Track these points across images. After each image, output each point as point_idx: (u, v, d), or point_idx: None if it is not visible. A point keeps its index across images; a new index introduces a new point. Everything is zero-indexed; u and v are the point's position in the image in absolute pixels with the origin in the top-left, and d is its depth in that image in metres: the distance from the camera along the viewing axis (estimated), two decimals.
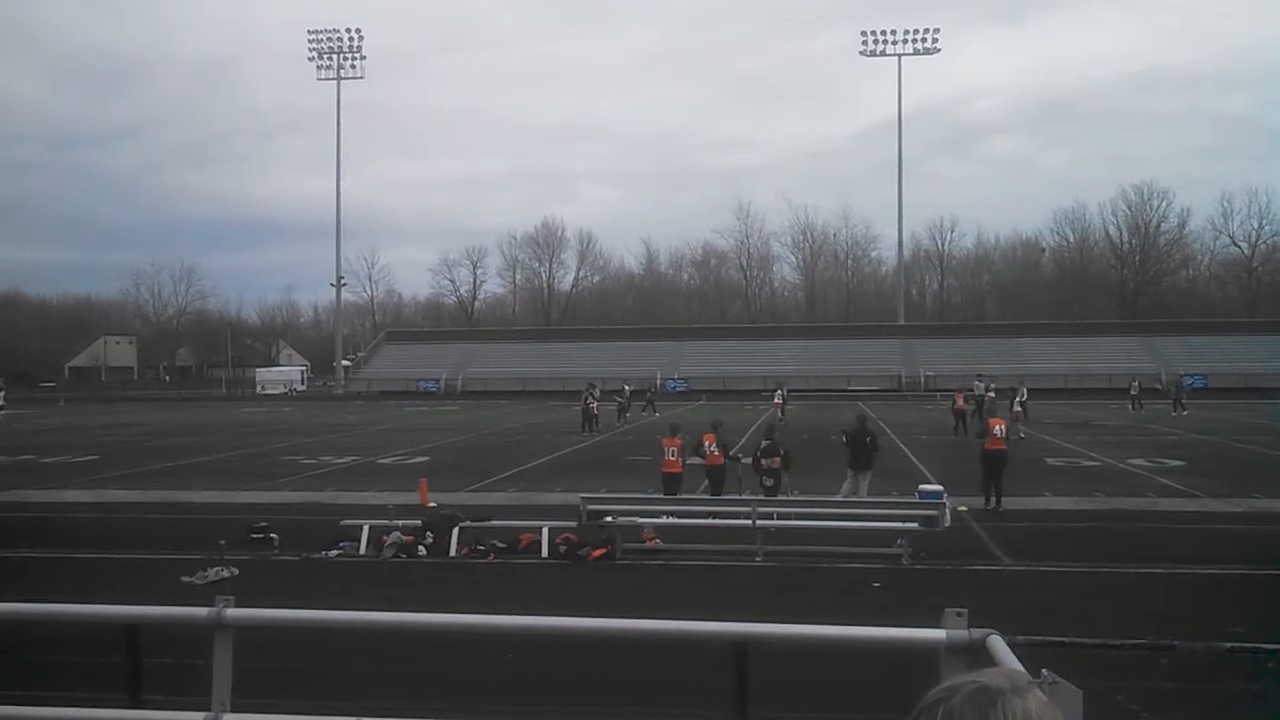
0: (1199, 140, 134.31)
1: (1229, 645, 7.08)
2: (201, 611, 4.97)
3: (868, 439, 17.76)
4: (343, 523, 15.55)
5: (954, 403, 35.94)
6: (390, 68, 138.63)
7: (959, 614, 4.25)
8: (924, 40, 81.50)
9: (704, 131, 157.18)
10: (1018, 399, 33.80)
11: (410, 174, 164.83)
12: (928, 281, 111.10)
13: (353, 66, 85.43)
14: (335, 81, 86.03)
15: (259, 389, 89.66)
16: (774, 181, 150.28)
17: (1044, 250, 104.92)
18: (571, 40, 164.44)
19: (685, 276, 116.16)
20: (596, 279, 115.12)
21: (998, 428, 18.24)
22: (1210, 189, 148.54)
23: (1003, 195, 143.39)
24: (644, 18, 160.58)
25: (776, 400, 42.78)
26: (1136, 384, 48.81)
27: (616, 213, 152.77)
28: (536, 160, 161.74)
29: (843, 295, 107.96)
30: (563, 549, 14.08)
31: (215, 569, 13.07)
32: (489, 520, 15.59)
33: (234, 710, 4.87)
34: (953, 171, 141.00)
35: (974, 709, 1.30)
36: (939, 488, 15.43)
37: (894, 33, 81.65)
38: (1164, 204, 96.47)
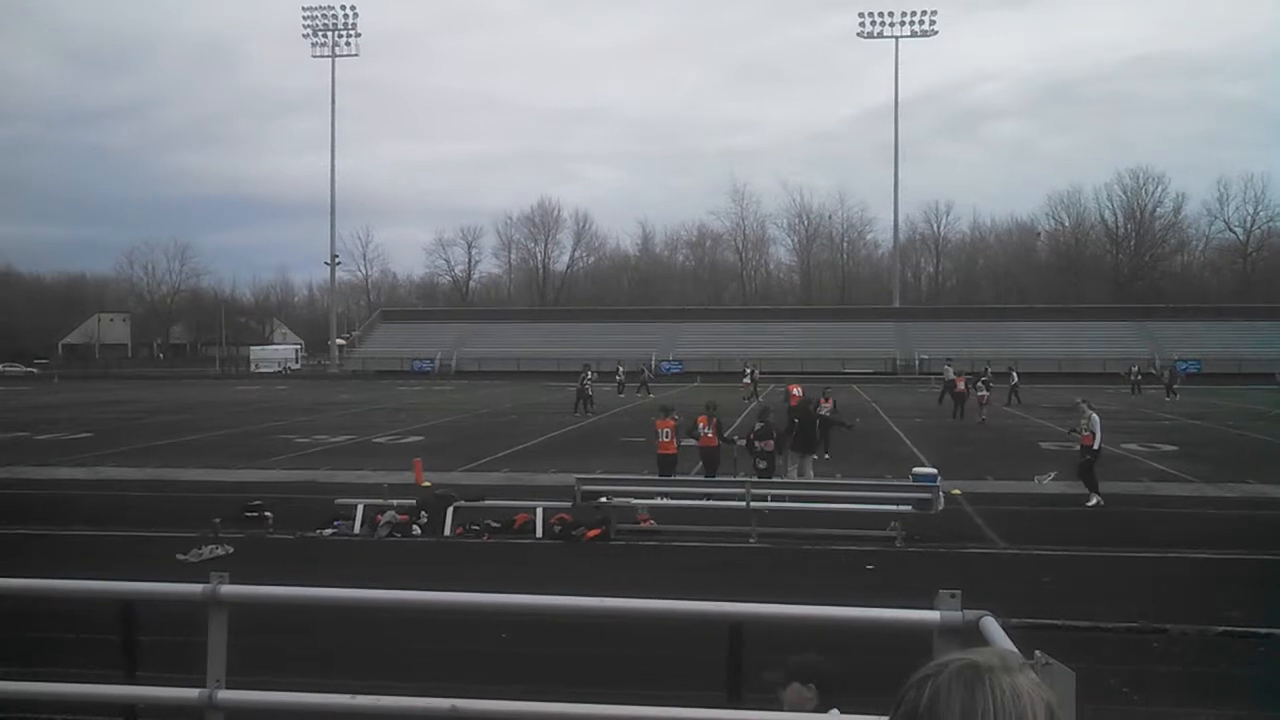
0: (1202, 126, 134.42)
1: (1220, 629, 7.11)
2: (196, 588, 4.96)
3: (816, 421, 17.96)
4: (337, 502, 15.55)
5: (953, 385, 36.13)
6: (390, 48, 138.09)
7: (952, 595, 4.25)
8: (922, 23, 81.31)
9: (703, 114, 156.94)
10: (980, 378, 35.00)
11: (407, 154, 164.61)
12: (923, 265, 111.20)
13: (347, 44, 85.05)
14: (330, 59, 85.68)
15: (253, 367, 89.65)
16: (772, 165, 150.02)
17: (1039, 234, 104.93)
18: (572, 23, 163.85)
19: (681, 258, 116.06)
20: (592, 260, 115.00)
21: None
22: (1210, 175, 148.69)
23: (1001, 179, 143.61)
24: (645, 1, 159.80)
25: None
26: (1136, 369, 49.04)
27: (613, 194, 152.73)
28: (534, 142, 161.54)
29: (838, 278, 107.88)
30: (557, 529, 14.10)
31: (210, 547, 13.09)
32: (483, 500, 15.62)
33: (228, 687, 4.87)
34: (952, 155, 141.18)
35: (961, 684, 1.29)
36: (933, 471, 15.46)
37: (892, 15, 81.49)
38: (1159, 189, 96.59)
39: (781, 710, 4.18)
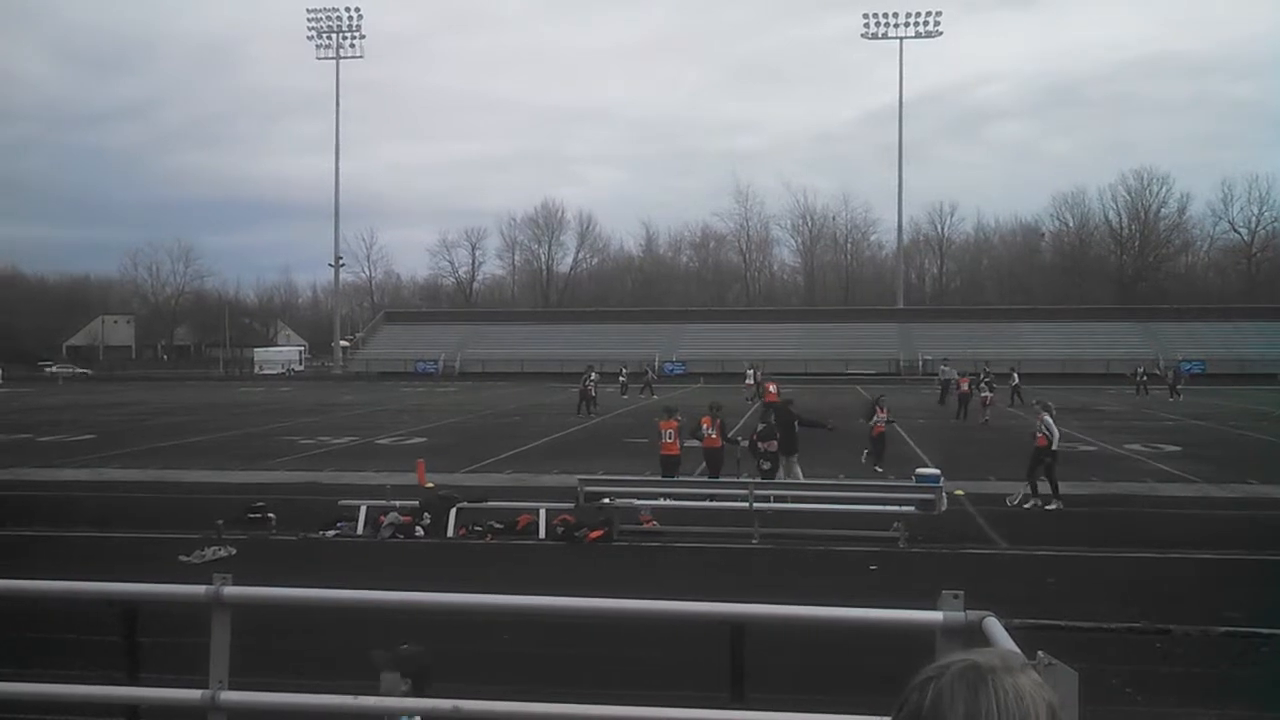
0: (1205, 127, 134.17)
1: (1223, 629, 7.10)
2: (199, 590, 4.97)
3: (794, 421, 17.66)
4: (340, 503, 15.55)
5: (957, 386, 36.34)
6: (394, 49, 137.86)
7: (955, 596, 4.26)
8: (926, 24, 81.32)
9: (705, 115, 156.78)
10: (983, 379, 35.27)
11: (411, 155, 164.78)
12: (927, 265, 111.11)
13: (352, 45, 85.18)
14: (334, 61, 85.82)
15: (257, 369, 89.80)
16: (777, 166, 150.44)
17: (1043, 235, 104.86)
18: (573, 23, 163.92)
19: (684, 259, 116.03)
20: (595, 261, 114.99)
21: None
22: (1214, 175, 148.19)
23: (1004, 180, 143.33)
24: (646, 1, 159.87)
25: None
26: (1142, 370, 49.28)
27: (616, 195, 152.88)
28: (537, 142, 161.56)
29: (841, 279, 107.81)
30: (560, 530, 14.10)
31: (213, 548, 13.09)
32: (486, 501, 15.61)
33: (231, 688, 4.88)
34: (956, 156, 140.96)
35: (965, 686, 1.29)
36: (936, 471, 15.44)
37: (896, 15, 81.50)
38: (1164, 189, 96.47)
39: (379, 688, 4.70)
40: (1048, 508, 16.16)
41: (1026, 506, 16.16)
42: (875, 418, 21.06)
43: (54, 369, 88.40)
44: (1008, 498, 16.49)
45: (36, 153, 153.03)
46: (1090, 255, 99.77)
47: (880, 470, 20.35)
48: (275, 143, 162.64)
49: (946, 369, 42.28)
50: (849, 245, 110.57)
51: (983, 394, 33.92)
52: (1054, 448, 16.54)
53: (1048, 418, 16.75)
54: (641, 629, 7.65)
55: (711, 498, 15.34)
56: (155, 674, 5.47)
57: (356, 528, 14.57)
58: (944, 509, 13.96)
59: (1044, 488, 16.48)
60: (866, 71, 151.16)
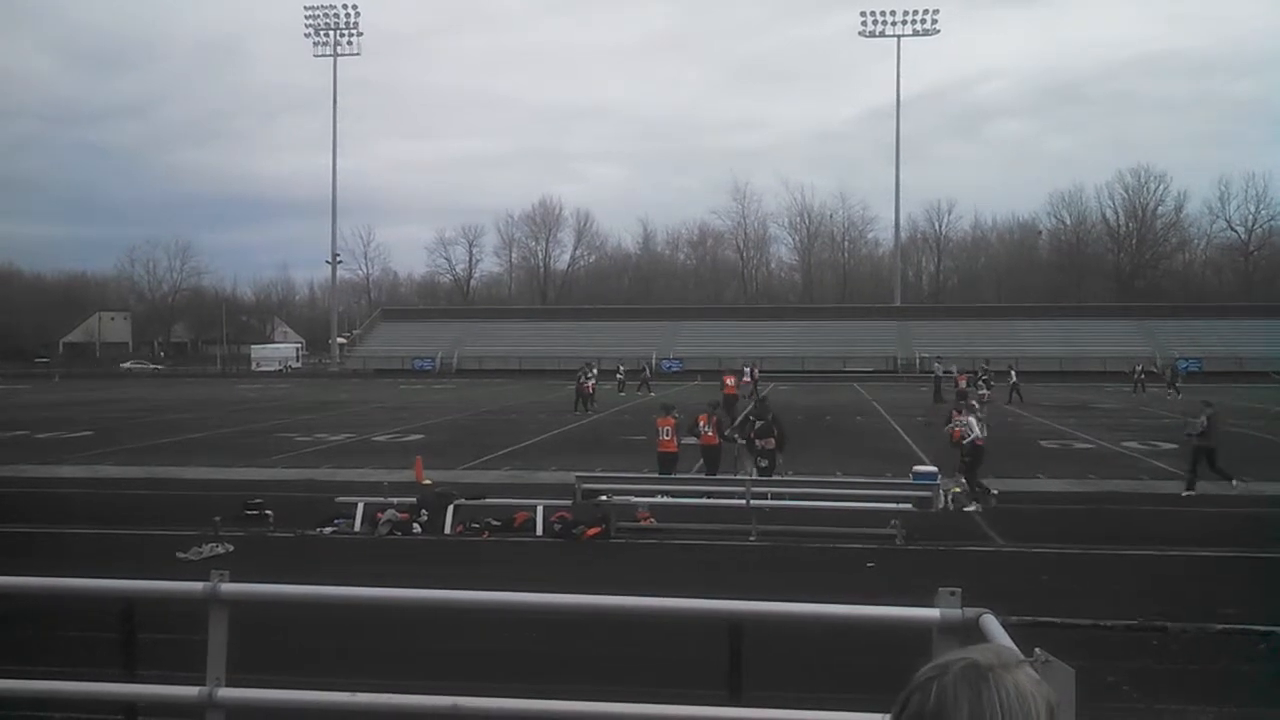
0: (1204, 125, 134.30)
1: (1219, 627, 7.12)
2: (197, 586, 4.97)
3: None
4: (337, 500, 15.54)
5: (955, 383, 36.44)
6: (392, 46, 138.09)
7: (952, 593, 4.27)
8: (924, 21, 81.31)
9: (705, 113, 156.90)
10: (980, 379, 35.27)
11: (408, 152, 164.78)
12: (924, 263, 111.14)
13: (349, 43, 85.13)
14: (331, 58, 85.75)
15: (254, 366, 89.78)
16: (776, 164, 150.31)
17: (1040, 233, 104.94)
18: (574, 21, 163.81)
19: (681, 257, 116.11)
20: (593, 259, 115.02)
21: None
22: (1212, 173, 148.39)
23: (1002, 178, 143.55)
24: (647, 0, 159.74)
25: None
26: (1140, 367, 49.27)
27: (614, 193, 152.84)
28: (536, 140, 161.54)
29: (839, 277, 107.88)
30: (557, 527, 14.10)
31: (210, 545, 13.09)
32: (484, 498, 15.62)
33: (229, 685, 4.88)
34: (954, 154, 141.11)
35: (967, 686, 1.30)
36: (933, 469, 15.46)
37: (893, 14, 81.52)
38: (1161, 188, 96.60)
39: None
40: (967, 508, 15.86)
41: (991, 503, 15.92)
42: (952, 422, 19.90)
43: (127, 365, 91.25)
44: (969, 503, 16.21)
45: (35, 150, 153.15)
46: (1087, 253, 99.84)
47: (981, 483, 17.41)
48: (274, 140, 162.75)
49: (940, 366, 42.47)
50: (846, 243, 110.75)
51: (980, 391, 33.95)
52: (964, 443, 16.32)
53: (971, 420, 16.66)
54: (639, 626, 7.66)
55: (709, 495, 15.35)
56: (152, 670, 5.47)
57: (354, 525, 14.58)
58: (941, 506, 13.97)
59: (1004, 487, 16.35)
60: (865, 70, 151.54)
